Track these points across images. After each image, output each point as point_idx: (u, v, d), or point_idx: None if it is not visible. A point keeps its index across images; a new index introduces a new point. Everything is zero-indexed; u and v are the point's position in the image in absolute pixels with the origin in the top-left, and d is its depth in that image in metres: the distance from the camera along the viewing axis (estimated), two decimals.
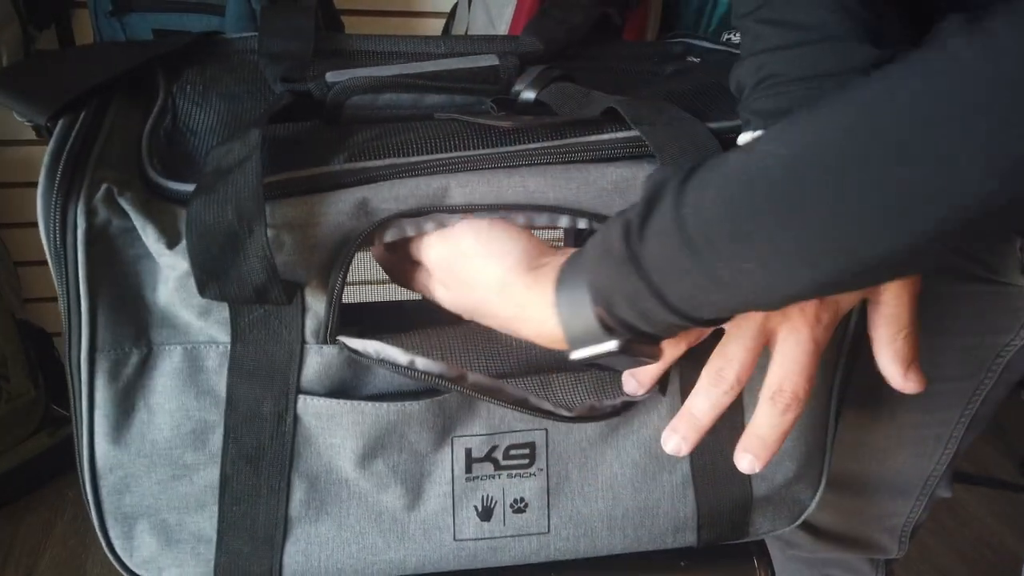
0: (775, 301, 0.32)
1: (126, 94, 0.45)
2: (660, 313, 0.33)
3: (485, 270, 0.38)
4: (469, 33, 1.16)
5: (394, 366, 0.40)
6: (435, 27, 1.32)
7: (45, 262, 1.37)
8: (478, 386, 0.41)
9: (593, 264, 0.35)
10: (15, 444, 1.23)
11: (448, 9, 1.25)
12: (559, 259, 0.37)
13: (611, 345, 0.34)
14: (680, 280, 0.31)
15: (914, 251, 0.27)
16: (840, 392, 0.48)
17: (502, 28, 1.09)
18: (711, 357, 0.39)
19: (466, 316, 0.41)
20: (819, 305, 0.38)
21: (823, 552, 0.71)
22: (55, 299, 1.38)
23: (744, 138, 0.41)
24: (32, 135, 1.27)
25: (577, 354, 0.36)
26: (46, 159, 0.37)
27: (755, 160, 0.30)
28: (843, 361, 0.47)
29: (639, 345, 0.35)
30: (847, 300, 0.39)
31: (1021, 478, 1.50)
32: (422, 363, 0.40)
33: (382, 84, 0.45)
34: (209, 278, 0.35)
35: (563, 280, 0.36)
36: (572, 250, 0.37)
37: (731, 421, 0.46)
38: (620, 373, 0.44)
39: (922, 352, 0.40)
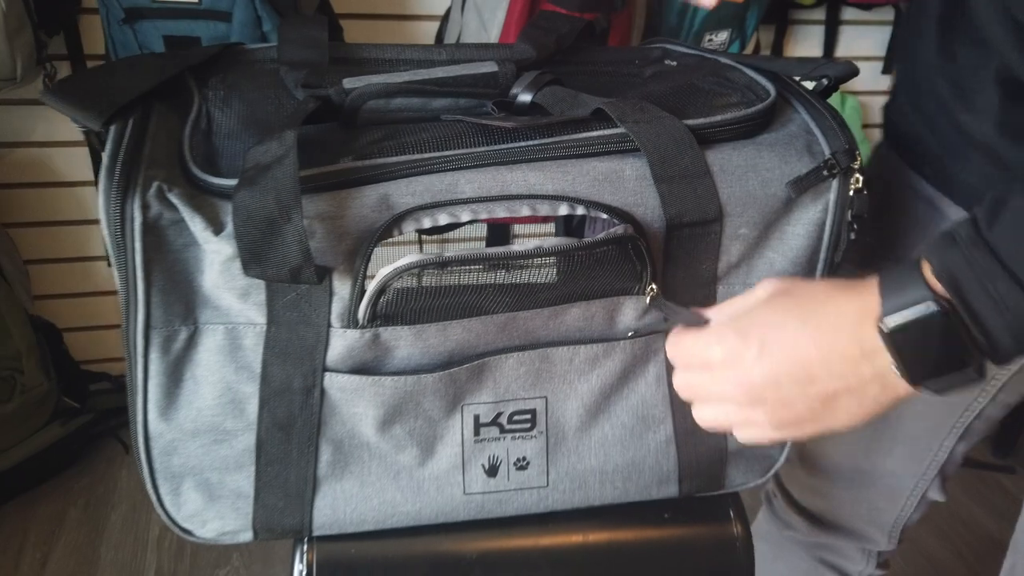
0: None
1: (164, 100, 0.50)
2: (1014, 294, 0.34)
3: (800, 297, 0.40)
4: (462, 35, 1.21)
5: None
6: (428, 29, 1.36)
7: (54, 260, 1.45)
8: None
9: (932, 252, 0.36)
10: (29, 435, 1.27)
11: (441, 12, 1.30)
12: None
13: (931, 307, 0.35)
14: None
15: None
16: None
17: (494, 31, 1.14)
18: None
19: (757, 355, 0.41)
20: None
21: (815, 536, 0.75)
22: (64, 296, 1.44)
23: None
24: (37, 138, 1.32)
25: (893, 319, 0.36)
26: (105, 161, 0.42)
27: None
28: None
29: (962, 324, 0.36)
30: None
31: (993, 459, 1.56)
32: None
33: (395, 90, 0.50)
34: (252, 259, 0.41)
35: (887, 277, 0.37)
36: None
37: None
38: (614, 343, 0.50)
39: None
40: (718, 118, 0.48)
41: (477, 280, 0.46)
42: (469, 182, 0.45)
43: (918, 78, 0.54)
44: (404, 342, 0.46)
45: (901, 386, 0.39)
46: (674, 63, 0.63)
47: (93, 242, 1.41)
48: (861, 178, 0.47)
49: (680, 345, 0.46)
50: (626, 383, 0.51)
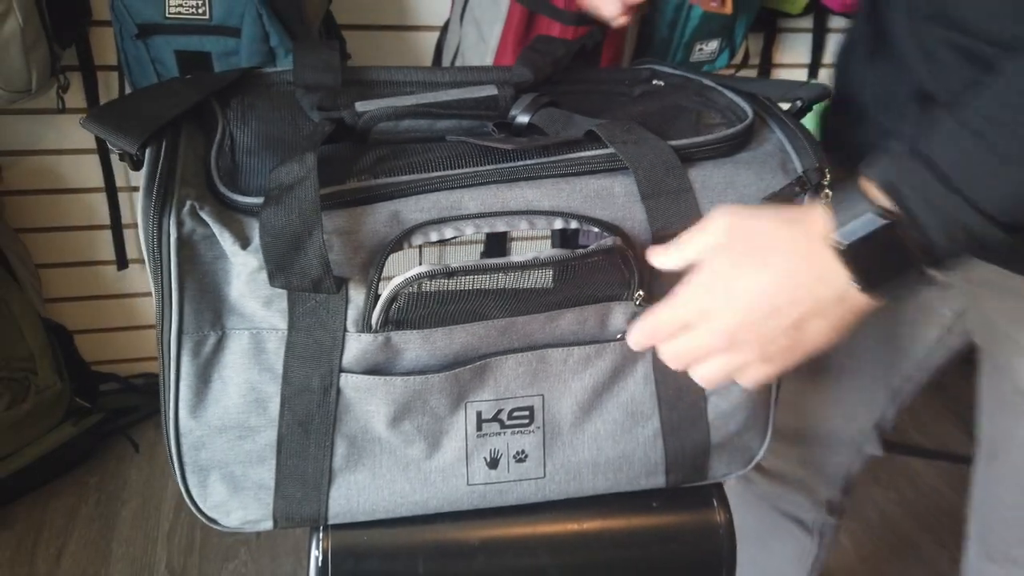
0: None
1: (190, 121, 0.54)
2: (941, 194, 0.39)
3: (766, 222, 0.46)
4: (461, 46, 1.25)
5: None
6: (428, 39, 1.40)
7: (64, 264, 1.49)
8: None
9: (870, 168, 0.41)
10: (43, 433, 1.31)
11: (441, 23, 1.34)
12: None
13: (876, 216, 0.40)
14: (963, 160, 0.38)
15: None
16: None
17: (492, 43, 1.18)
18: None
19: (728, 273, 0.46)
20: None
21: (769, 488, 0.84)
22: (74, 299, 1.48)
23: None
24: (48, 146, 1.36)
25: (844, 234, 0.41)
26: (143, 182, 0.46)
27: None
28: None
29: (903, 230, 0.40)
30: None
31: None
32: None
33: (403, 112, 0.55)
34: (278, 270, 0.45)
35: (832, 200, 0.43)
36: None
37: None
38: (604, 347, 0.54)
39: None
40: (700, 138, 0.52)
41: (479, 286, 0.50)
42: (472, 199, 0.49)
43: (850, 86, 0.61)
44: (413, 345, 0.51)
45: (861, 299, 0.43)
46: (661, 83, 0.67)
47: (101, 247, 1.44)
48: (830, 194, 0.52)
49: (654, 321, 0.49)
50: (616, 381, 0.56)
